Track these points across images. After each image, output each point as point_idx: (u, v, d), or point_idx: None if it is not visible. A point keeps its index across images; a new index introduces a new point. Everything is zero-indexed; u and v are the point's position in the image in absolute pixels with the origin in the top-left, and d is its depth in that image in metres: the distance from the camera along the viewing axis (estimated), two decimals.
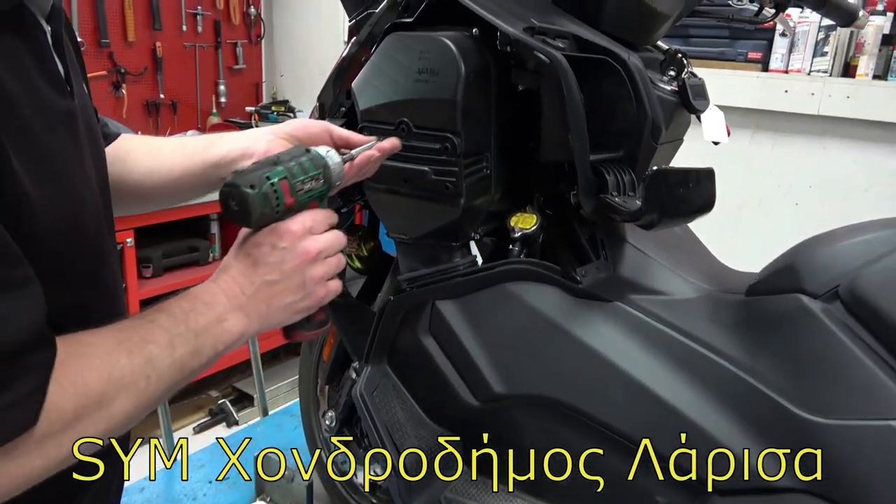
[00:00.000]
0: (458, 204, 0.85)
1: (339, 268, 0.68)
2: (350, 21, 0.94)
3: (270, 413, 1.81)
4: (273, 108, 2.82)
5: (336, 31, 2.98)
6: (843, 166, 2.23)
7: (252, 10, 2.99)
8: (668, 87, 0.91)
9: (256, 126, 2.81)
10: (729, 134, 0.94)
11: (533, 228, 0.90)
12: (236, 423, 2.51)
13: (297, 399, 1.41)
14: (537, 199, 0.95)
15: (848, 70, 2.20)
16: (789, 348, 0.78)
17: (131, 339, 0.53)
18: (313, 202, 0.66)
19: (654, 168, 0.70)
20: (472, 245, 0.96)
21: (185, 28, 2.78)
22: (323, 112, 1.02)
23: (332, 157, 0.68)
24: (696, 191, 0.72)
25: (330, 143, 0.76)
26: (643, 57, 0.87)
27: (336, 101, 0.99)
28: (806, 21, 2.16)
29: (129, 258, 2.22)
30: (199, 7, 2.81)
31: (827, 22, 2.13)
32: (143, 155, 0.80)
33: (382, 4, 0.89)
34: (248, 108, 2.89)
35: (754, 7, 1.03)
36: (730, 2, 1.00)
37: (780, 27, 2.05)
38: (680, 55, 0.91)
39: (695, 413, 0.80)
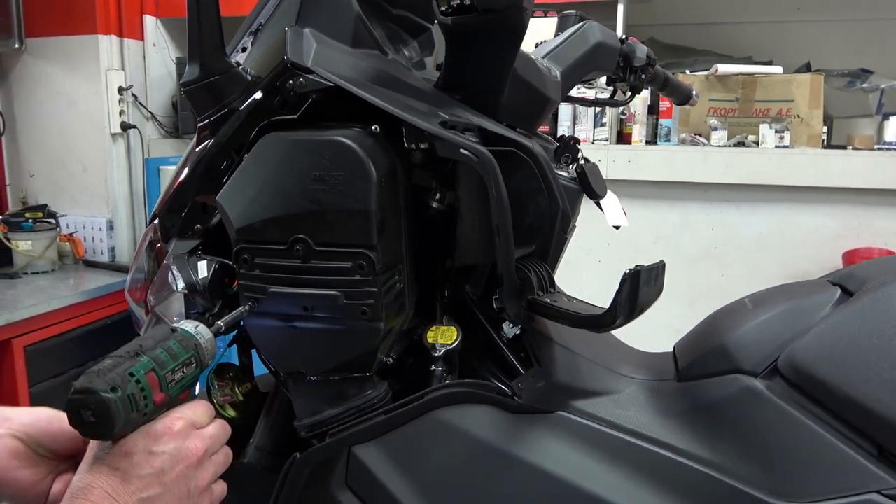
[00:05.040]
0: (377, 330, 0.71)
1: (226, 466, 0.61)
2: (201, 121, 0.76)
3: None
4: (27, 214, 2.35)
5: (98, 121, 2.61)
6: (632, 223, 2.45)
7: None
8: (567, 175, 0.87)
9: (5, 239, 2.33)
10: (626, 215, 0.93)
11: (456, 343, 0.79)
12: None
13: None
14: (442, 305, 0.84)
15: (622, 137, 2.45)
16: (742, 432, 0.76)
17: None
18: (185, 392, 0.56)
19: (629, 270, 0.64)
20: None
21: None
22: (167, 233, 0.81)
23: (202, 333, 0.59)
24: (656, 286, 0.68)
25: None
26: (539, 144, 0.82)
27: (187, 220, 0.80)
28: (584, 96, 2.38)
29: None
30: None
31: (602, 96, 2.38)
32: None
33: (250, 100, 0.73)
34: None
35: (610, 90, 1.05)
36: (592, 89, 1.01)
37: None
38: (573, 141, 0.88)
39: None
